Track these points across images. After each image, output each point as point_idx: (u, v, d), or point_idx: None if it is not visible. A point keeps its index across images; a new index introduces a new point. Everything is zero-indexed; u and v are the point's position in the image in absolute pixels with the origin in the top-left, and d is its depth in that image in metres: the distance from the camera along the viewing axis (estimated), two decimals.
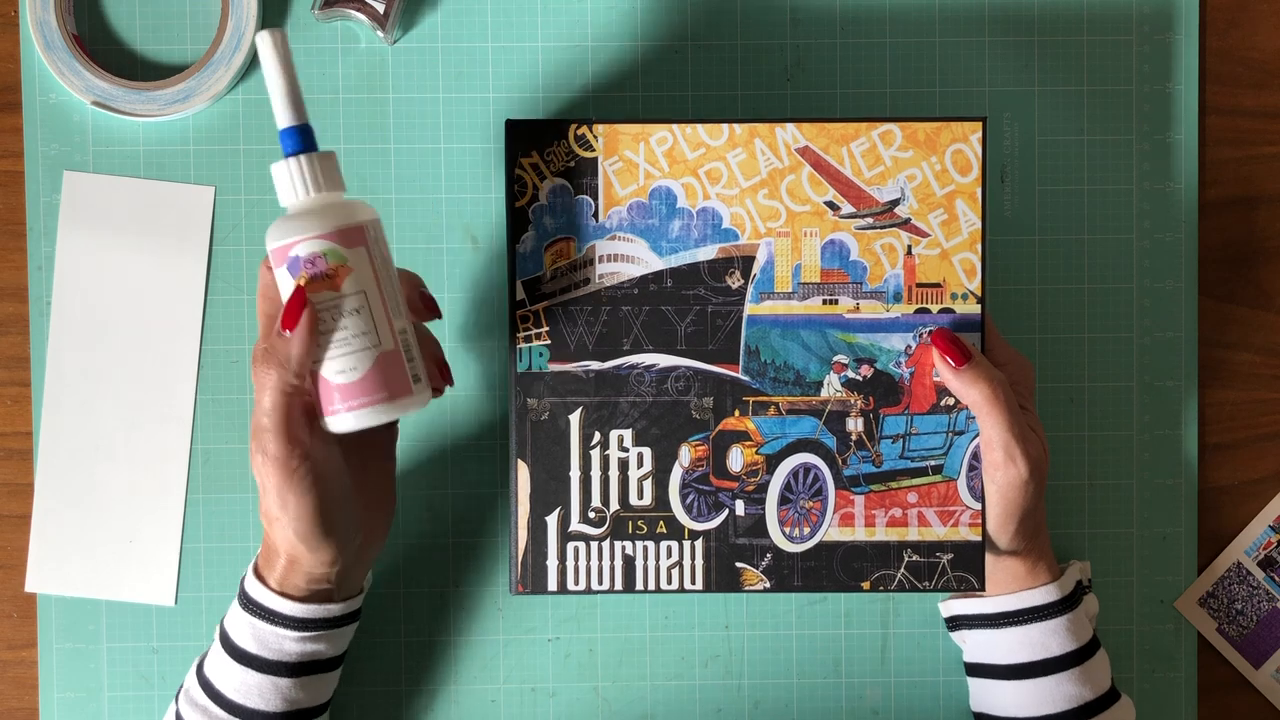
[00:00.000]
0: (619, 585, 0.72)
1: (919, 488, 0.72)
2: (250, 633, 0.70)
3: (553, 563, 0.72)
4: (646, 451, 0.72)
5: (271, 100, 0.65)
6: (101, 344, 0.79)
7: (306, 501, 0.65)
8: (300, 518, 0.66)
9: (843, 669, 0.81)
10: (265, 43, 0.65)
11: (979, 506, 0.72)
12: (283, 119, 0.65)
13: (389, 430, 0.73)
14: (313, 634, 0.70)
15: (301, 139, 0.65)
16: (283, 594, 0.69)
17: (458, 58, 0.80)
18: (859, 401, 0.72)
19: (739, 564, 0.72)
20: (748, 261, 0.72)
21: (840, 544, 0.72)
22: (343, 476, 0.67)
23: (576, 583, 0.72)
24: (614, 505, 0.72)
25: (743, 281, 0.72)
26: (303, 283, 0.64)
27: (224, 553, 0.80)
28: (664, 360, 0.72)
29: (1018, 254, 0.80)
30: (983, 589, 0.73)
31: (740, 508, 0.72)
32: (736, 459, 0.72)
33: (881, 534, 0.72)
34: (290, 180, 0.65)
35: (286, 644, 0.69)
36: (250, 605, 0.70)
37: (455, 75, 0.79)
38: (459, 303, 0.80)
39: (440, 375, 0.69)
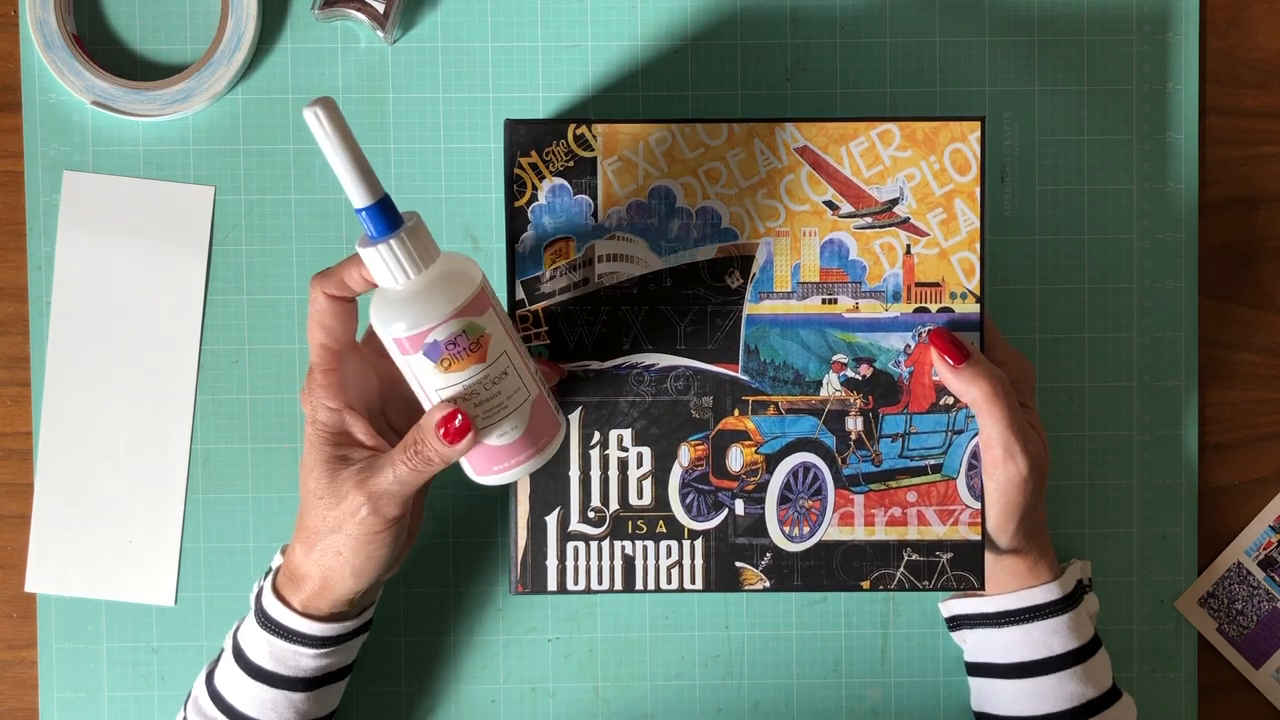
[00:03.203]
0: (619, 585, 0.72)
1: (918, 487, 0.72)
2: (267, 650, 0.70)
3: (552, 563, 0.72)
4: (646, 451, 0.72)
5: (340, 178, 0.60)
6: (101, 344, 0.79)
7: (387, 552, 0.67)
8: (371, 560, 0.67)
9: (843, 669, 0.81)
10: (318, 120, 0.59)
11: (978, 505, 0.72)
12: (360, 198, 0.61)
13: None
14: (329, 649, 0.70)
15: (387, 217, 0.61)
16: (306, 615, 0.69)
17: (458, 58, 0.80)
18: (858, 401, 0.72)
19: (739, 563, 0.72)
20: (747, 261, 0.72)
21: (840, 543, 0.72)
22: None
23: (576, 583, 0.72)
24: (614, 505, 0.72)
25: (742, 281, 0.72)
26: (445, 368, 0.62)
27: (224, 553, 0.80)
28: (663, 360, 0.72)
29: (1018, 254, 0.80)
30: (982, 588, 0.73)
31: (740, 507, 0.72)
32: (736, 458, 0.72)
33: (881, 533, 0.72)
34: (390, 268, 0.61)
35: (303, 660, 0.70)
36: (270, 625, 0.70)
37: (455, 75, 0.80)
38: None
39: (555, 372, 0.71)
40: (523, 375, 0.65)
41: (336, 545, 0.66)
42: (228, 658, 0.72)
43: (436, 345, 0.62)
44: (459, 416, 0.63)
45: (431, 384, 0.64)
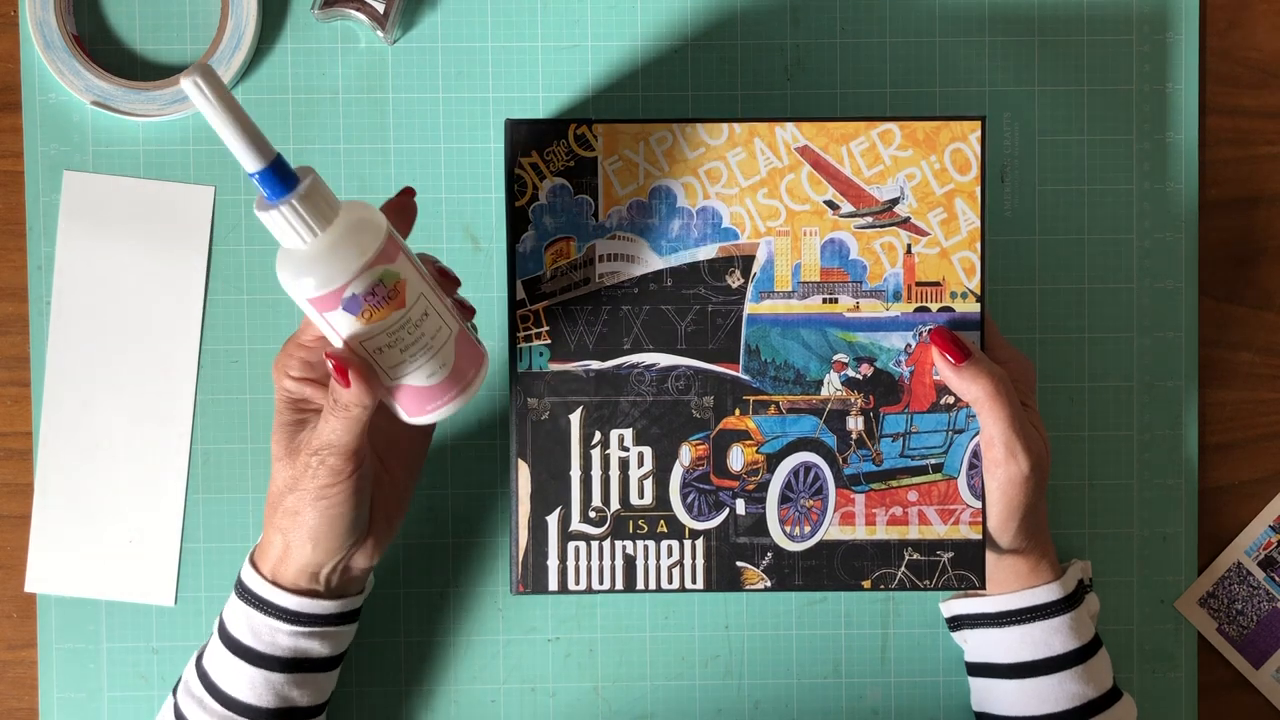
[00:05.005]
0: (619, 585, 0.72)
1: (919, 486, 0.72)
2: (245, 623, 0.70)
3: (553, 562, 0.72)
4: (647, 451, 0.72)
5: (228, 145, 0.58)
6: (101, 344, 0.79)
7: (340, 514, 0.66)
8: (324, 520, 0.67)
9: (843, 669, 0.81)
10: (199, 89, 0.57)
11: (979, 505, 0.72)
12: (251, 163, 0.58)
13: (425, 438, 0.73)
14: (306, 629, 0.70)
15: (282, 179, 0.59)
16: (274, 583, 0.69)
17: (458, 58, 0.80)
18: (859, 400, 0.72)
19: (739, 563, 0.72)
20: (747, 261, 0.72)
21: (841, 543, 0.72)
22: (369, 487, 0.68)
23: (577, 582, 0.72)
24: (614, 505, 0.72)
25: (743, 280, 0.72)
26: (367, 319, 0.62)
27: (224, 553, 0.80)
28: (664, 359, 0.72)
29: (1018, 254, 0.80)
30: (983, 587, 0.73)
31: (741, 507, 0.72)
32: (737, 458, 0.72)
33: (882, 533, 0.72)
34: (294, 228, 0.60)
35: (279, 637, 0.70)
36: (244, 593, 0.70)
37: (455, 75, 0.80)
38: None
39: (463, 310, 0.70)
40: (442, 314, 0.64)
41: (294, 505, 0.67)
42: (214, 636, 0.72)
43: (355, 299, 0.61)
44: (330, 361, 0.63)
45: (354, 336, 0.63)
